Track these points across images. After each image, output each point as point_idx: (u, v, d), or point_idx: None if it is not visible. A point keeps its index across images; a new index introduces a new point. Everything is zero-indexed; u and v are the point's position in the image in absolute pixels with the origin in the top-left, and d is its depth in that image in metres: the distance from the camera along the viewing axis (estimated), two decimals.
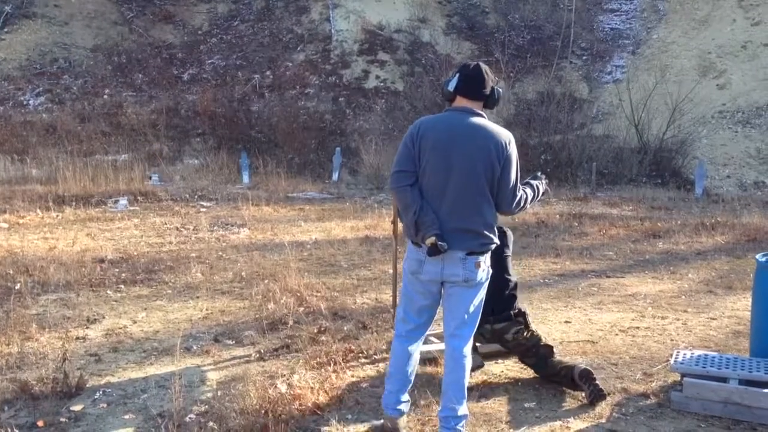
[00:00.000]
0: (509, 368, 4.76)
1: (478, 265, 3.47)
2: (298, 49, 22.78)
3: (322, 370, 4.58)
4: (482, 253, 3.49)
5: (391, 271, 5.63)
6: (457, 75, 3.55)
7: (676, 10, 24.58)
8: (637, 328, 5.76)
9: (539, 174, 3.95)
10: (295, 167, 16.86)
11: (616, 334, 5.58)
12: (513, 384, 4.50)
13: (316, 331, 5.35)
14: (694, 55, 22.33)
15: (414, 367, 3.72)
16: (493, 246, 3.56)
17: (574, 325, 5.80)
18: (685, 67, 22.01)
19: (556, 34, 24.08)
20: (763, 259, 4.61)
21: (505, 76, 21.81)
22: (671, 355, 4.58)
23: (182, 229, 9.65)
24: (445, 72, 22.23)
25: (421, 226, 3.44)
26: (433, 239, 3.37)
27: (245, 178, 15.36)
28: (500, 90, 3.67)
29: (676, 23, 24.02)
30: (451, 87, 3.57)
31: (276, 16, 24.24)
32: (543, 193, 3.87)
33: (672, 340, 5.44)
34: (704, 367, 4.23)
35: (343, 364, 4.68)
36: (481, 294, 3.59)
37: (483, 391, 4.35)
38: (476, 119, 3.52)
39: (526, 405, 4.17)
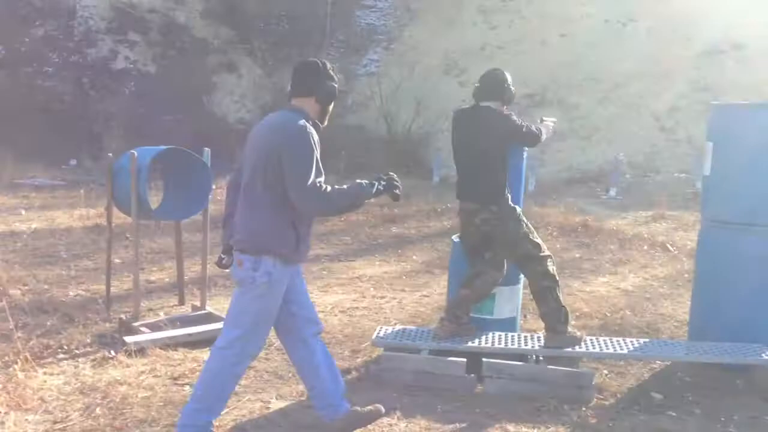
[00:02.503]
0: None
1: (239, 264, 3.25)
2: (37, 23, 20.81)
3: (10, 369, 4.17)
4: (248, 252, 3.23)
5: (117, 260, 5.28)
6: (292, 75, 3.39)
7: (426, 10, 25.95)
8: (356, 308, 5.97)
9: (381, 175, 3.46)
10: (26, 151, 15.41)
11: (336, 315, 5.73)
12: None
13: (11, 327, 4.87)
14: (440, 53, 23.74)
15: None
16: (270, 247, 3.24)
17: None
18: (432, 65, 23.32)
19: (316, 25, 24.35)
20: (458, 240, 4.97)
21: (260, 64, 21.70)
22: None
23: None
24: (200, 56, 21.62)
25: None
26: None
27: None
28: (334, 84, 3.35)
29: (426, 23, 25.36)
30: (288, 88, 3.42)
31: None
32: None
33: (385, 317, 5.71)
34: (401, 341, 4.48)
35: (34, 362, 4.30)
36: (245, 299, 3.29)
37: None
38: (287, 115, 3.29)
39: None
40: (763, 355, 4.27)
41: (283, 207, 3.19)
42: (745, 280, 4.57)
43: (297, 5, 24.52)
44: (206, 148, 5.42)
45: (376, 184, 3.32)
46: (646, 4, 22.74)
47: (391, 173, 3.39)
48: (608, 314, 5.86)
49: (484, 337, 4.49)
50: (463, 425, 3.75)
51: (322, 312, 5.79)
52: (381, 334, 4.58)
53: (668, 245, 8.78)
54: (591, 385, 4.20)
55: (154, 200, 5.68)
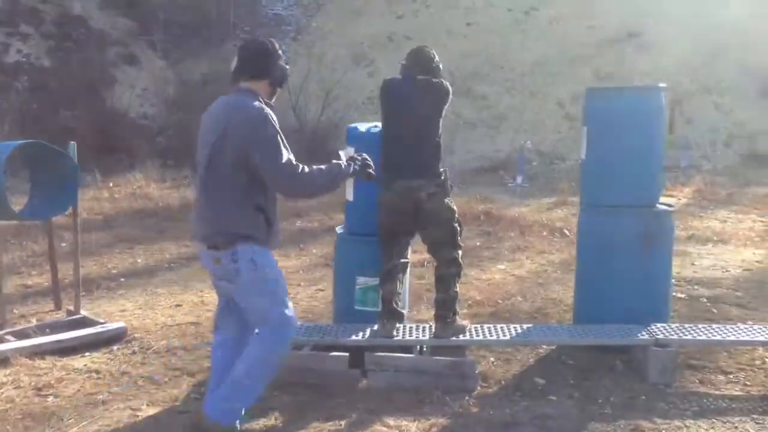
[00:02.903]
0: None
1: (216, 262, 3.18)
2: None
3: None
4: (221, 247, 3.14)
5: None
6: (237, 54, 3.28)
7: (333, 1, 25.73)
8: None
9: (356, 155, 3.50)
10: None
11: None
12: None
13: None
14: (348, 44, 23.58)
15: None
16: (242, 233, 3.14)
17: (184, 308, 5.67)
18: (340, 55, 23.14)
19: (220, 16, 23.81)
20: (340, 231, 4.88)
21: (161, 55, 21.09)
22: None
23: None
24: (98, 49, 20.78)
25: None
26: None
27: None
28: (285, 66, 3.33)
29: (333, 13, 25.15)
30: (232, 68, 3.29)
31: None
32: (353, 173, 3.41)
33: None
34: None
35: None
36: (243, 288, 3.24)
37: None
38: (241, 98, 3.19)
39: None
40: (639, 335, 4.35)
41: (248, 191, 3.12)
42: (621, 262, 4.64)
43: None
44: (72, 142, 5.13)
45: (352, 164, 3.36)
46: None
47: (364, 154, 3.45)
48: (500, 301, 5.89)
49: (369, 330, 4.42)
50: (343, 422, 3.66)
51: (211, 311, 5.60)
52: None
53: (566, 230, 8.95)
54: (474, 374, 4.19)
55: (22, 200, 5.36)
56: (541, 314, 5.56)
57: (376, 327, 4.40)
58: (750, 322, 5.23)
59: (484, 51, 22.15)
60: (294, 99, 18.75)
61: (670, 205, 4.91)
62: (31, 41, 19.90)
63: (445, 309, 4.36)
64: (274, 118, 3.16)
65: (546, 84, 20.73)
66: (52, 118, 17.21)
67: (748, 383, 4.25)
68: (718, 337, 4.38)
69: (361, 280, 4.65)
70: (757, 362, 4.55)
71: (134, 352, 4.60)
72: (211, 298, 5.94)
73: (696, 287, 6.37)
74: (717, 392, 4.13)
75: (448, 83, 4.37)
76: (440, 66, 4.44)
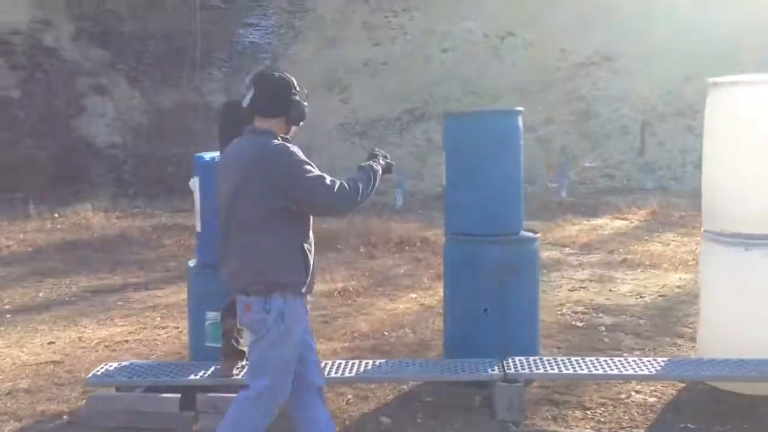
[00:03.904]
0: None
1: (248, 308, 3.01)
2: None
3: None
4: (255, 293, 2.99)
5: None
6: (252, 89, 3.05)
7: (310, 28, 25.80)
8: (126, 341, 5.65)
9: (374, 151, 3.38)
10: None
11: (96, 351, 5.38)
12: None
13: None
14: (324, 70, 23.60)
15: None
16: (280, 281, 3.00)
17: (56, 346, 5.49)
18: (315, 82, 23.13)
19: (195, 44, 23.89)
20: (193, 265, 4.71)
21: (133, 85, 21.12)
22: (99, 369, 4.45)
23: None
24: (69, 79, 20.83)
25: None
26: None
27: None
28: (303, 102, 3.13)
29: (309, 40, 25.21)
30: (245, 103, 3.07)
31: None
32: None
33: (150, 351, 5.40)
34: (115, 378, 4.17)
35: None
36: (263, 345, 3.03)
37: None
38: (260, 140, 3.01)
39: None
40: (489, 370, 4.15)
41: (288, 234, 3.01)
42: (483, 293, 4.46)
43: (173, 25, 24.01)
44: None
45: (375, 162, 3.22)
46: (523, 19, 23.23)
47: (377, 148, 3.38)
48: (386, 333, 5.70)
49: (212, 369, 4.23)
50: None
51: (84, 348, 5.44)
52: (99, 372, 4.25)
53: None
54: None
55: None
56: (423, 347, 5.37)
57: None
58: (636, 354, 5.04)
59: (459, 76, 22.11)
60: None
61: (534, 233, 4.73)
62: (0, 72, 19.97)
63: None
64: (296, 148, 3.04)
65: (517, 107, 20.65)
66: (14, 148, 17.21)
67: (602, 420, 4.04)
68: (584, 371, 4.18)
69: (211, 315, 4.47)
70: (622, 396, 4.34)
71: None
72: (92, 335, 5.78)
73: (600, 315, 6.16)
74: (566, 430, 3.92)
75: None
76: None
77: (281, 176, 2.94)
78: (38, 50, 21.06)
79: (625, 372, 4.10)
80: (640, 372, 4.09)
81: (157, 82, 21.72)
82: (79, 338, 5.68)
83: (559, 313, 6.24)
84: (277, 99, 3.06)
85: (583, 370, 4.15)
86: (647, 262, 8.27)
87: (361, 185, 3.07)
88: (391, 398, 4.46)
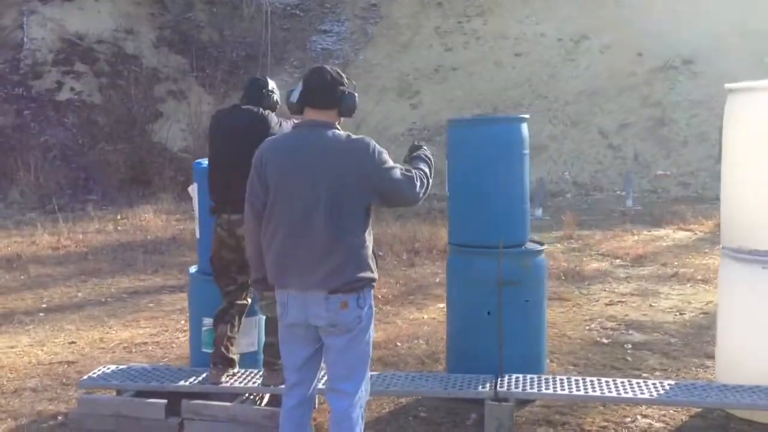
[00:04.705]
0: None
1: (344, 306, 2.94)
2: None
3: None
4: (352, 290, 2.95)
5: None
6: (301, 83, 3.07)
7: (382, 34, 25.90)
8: (146, 343, 5.75)
9: (416, 143, 3.43)
10: None
11: (113, 352, 5.50)
12: None
13: None
14: (395, 76, 23.64)
15: None
16: (370, 276, 3.01)
17: (77, 346, 5.64)
18: (386, 87, 23.22)
19: (270, 51, 24.37)
20: (194, 271, 4.73)
21: (209, 91, 21.68)
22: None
23: None
24: (149, 85, 21.62)
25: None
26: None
27: None
28: (354, 93, 3.11)
29: (381, 46, 25.30)
30: (295, 98, 3.06)
31: None
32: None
33: (164, 354, 5.46)
34: (107, 381, 4.22)
35: None
36: (359, 343, 3.04)
37: None
38: (329, 133, 2.98)
39: None
40: (480, 387, 3.98)
41: (367, 231, 3.02)
42: (483, 307, 4.28)
43: (249, 32, 24.56)
44: None
45: (421, 149, 3.28)
46: (599, 22, 22.56)
47: (417, 141, 3.43)
48: (398, 344, 5.57)
49: (204, 375, 4.23)
50: None
51: (102, 349, 5.56)
52: (95, 375, 4.32)
53: None
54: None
55: None
56: (431, 360, 5.22)
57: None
58: (657, 375, 4.73)
59: (530, 81, 21.68)
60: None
61: (540, 245, 4.52)
62: (84, 79, 20.90)
63: (271, 355, 4.12)
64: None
65: (590, 113, 20.05)
66: (94, 151, 17.98)
67: None
68: (581, 392, 3.95)
69: (207, 321, 4.48)
70: (627, 419, 4.09)
71: None
72: (115, 335, 5.90)
73: (630, 332, 5.84)
74: None
75: (273, 115, 4.17)
76: (272, 95, 4.26)
77: (371, 167, 2.93)
78: (120, 58, 21.94)
79: (624, 395, 3.84)
80: (640, 396, 3.83)
81: (230, 88, 22.23)
82: (101, 339, 5.81)
83: (587, 328, 5.96)
84: (332, 90, 3.02)
85: (580, 390, 3.92)
86: (699, 277, 7.82)
87: (428, 170, 3.12)
88: (386, 411, 4.35)
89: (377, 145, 3.00)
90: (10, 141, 18.12)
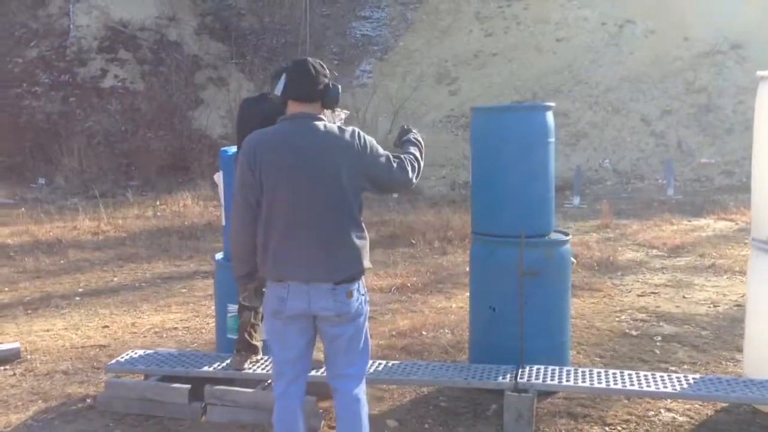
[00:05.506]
0: None
1: (350, 296, 2.96)
2: (32, 44, 21.36)
3: None
4: (353, 279, 2.99)
5: None
6: (284, 76, 3.05)
7: (422, 20, 25.73)
8: (176, 328, 5.85)
9: (405, 127, 3.44)
10: (2, 170, 15.86)
11: (144, 336, 5.60)
12: None
13: None
14: (434, 62, 23.49)
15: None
16: (366, 265, 3.06)
17: (109, 330, 5.76)
18: (425, 74, 23.09)
19: (311, 37, 24.42)
20: (220, 257, 4.79)
21: (249, 78, 21.84)
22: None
23: None
24: (190, 72, 21.88)
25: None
26: None
27: None
28: (338, 85, 3.10)
29: (421, 32, 25.15)
30: (279, 91, 3.06)
31: (10, 9, 22.60)
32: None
33: (192, 339, 5.55)
34: (134, 366, 4.31)
35: None
36: (363, 327, 3.09)
37: None
38: (320, 126, 2.98)
39: None
40: (500, 378, 3.96)
41: (360, 220, 3.04)
42: (506, 297, 4.25)
43: (289, 19, 24.63)
44: None
45: (410, 132, 3.32)
46: (643, 6, 22.07)
47: (406, 125, 3.45)
48: (424, 333, 5.57)
49: (222, 362, 4.29)
50: None
51: (134, 334, 5.67)
52: (123, 359, 4.42)
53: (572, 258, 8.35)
54: (316, 412, 3.97)
55: None
56: (456, 349, 5.20)
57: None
58: (685, 368, 4.65)
59: (572, 66, 21.32)
60: (361, 117, 18.85)
61: (565, 234, 4.46)
62: (127, 66, 21.24)
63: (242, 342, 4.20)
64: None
65: (633, 100, 19.65)
66: (136, 137, 18.29)
67: None
68: (602, 385, 3.91)
69: (231, 308, 4.55)
70: (651, 413, 4.03)
71: (14, 374, 4.72)
72: (147, 320, 6.02)
73: (661, 324, 5.74)
74: None
75: None
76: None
77: (364, 157, 2.96)
78: (163, 45, 22.24)
79: (646, 388, 3.79)
80: (663, 389, 3.77)
81: (269, 75, 22.39)
82: (133, 323, 5.93)
83: (617, 320, 5.88)
84: (314, 83, 2.99)
85: (601, 383, 3.88)
86: (737, 268, 7.64)
87: (419, 154, 3.16)
88: (407, 400, 4.36)
89: (366, 135, 3.03)
90: (56, 127, 18.55)
